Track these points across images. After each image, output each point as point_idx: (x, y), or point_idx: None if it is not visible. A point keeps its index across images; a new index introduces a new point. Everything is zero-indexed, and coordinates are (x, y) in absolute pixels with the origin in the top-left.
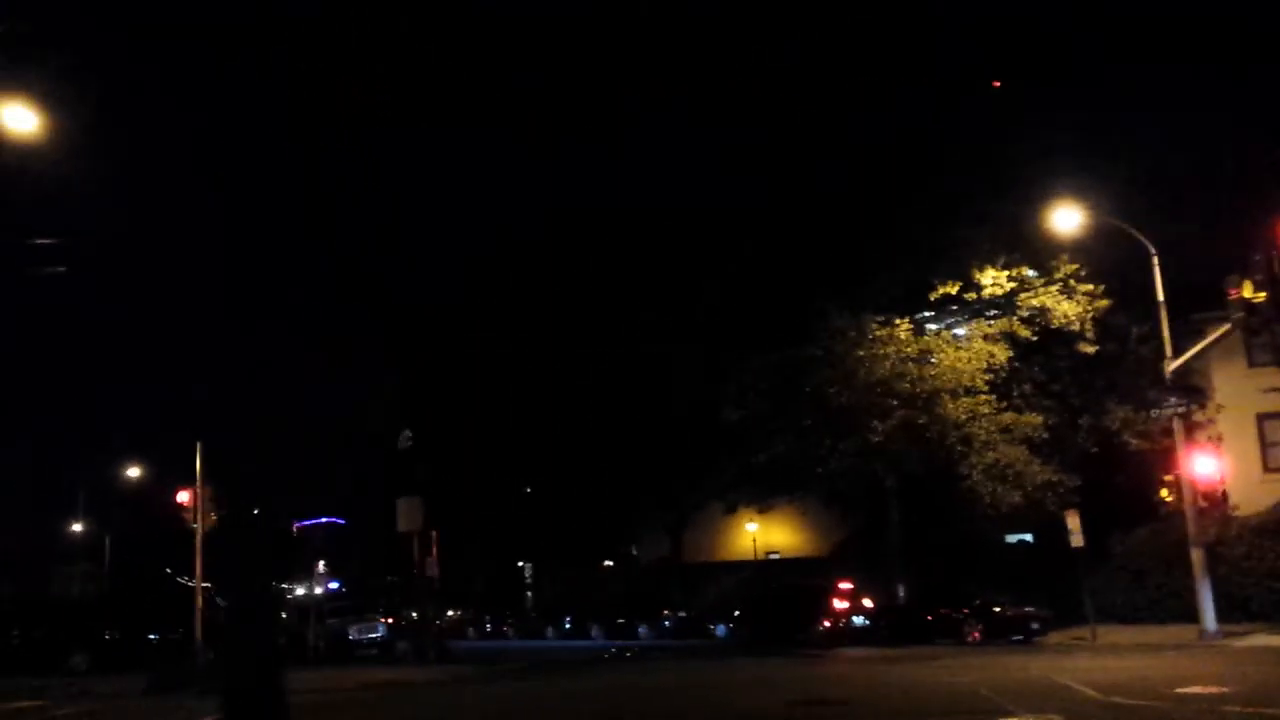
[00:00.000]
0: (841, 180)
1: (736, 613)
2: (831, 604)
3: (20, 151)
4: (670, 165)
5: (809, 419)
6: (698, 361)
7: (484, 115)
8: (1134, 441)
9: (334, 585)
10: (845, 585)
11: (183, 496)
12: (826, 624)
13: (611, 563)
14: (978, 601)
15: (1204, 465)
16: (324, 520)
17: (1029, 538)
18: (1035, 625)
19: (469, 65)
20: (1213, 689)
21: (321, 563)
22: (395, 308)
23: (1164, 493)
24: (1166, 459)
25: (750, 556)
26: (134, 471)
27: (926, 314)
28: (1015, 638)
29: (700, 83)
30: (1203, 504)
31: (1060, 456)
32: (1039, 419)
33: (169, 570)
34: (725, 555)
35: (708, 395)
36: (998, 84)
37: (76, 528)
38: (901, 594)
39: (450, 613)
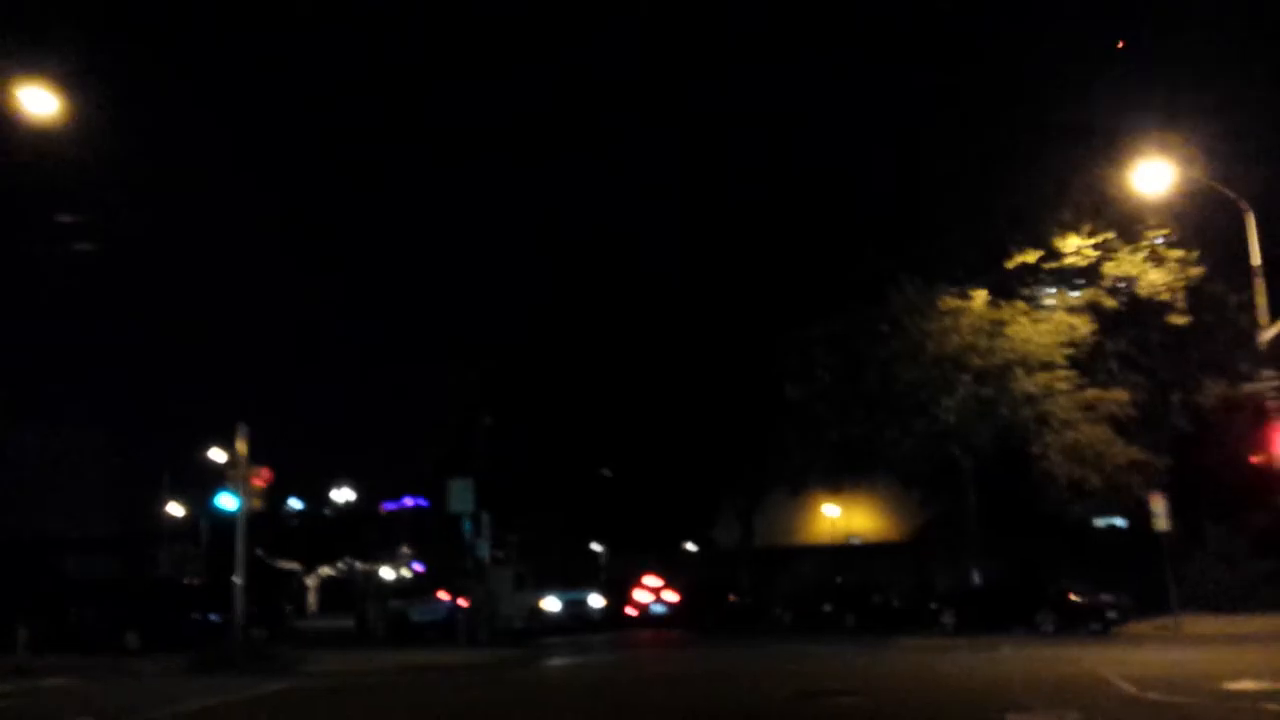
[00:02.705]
0: (914, 143)
1: None
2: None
3: (40, 134)
4: (732, 120)
5: (875, 396)
6: (762, 335)
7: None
8: (1229, 419)
9: (417, 567)
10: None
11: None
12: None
13: (695, 547)
14: (1052, 589)
15: None
16: (409, 502)
17: (1120, 522)
18: (1113, 614)
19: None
20: (1265, 684)
21: (404, 546)
22: (473, 298)
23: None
24: (1263, 438)
25: (829, 541)
26: (217, 454)
27: (1005, 284)
28: (1093, 627)
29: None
30: None
31: (1148, 436)
32: (1124, 395)
33: (259, 551)
34: (803, 539)
35: (772, 372)
36: (1122, 44)
37: (176, 510)
38: (977, 580)
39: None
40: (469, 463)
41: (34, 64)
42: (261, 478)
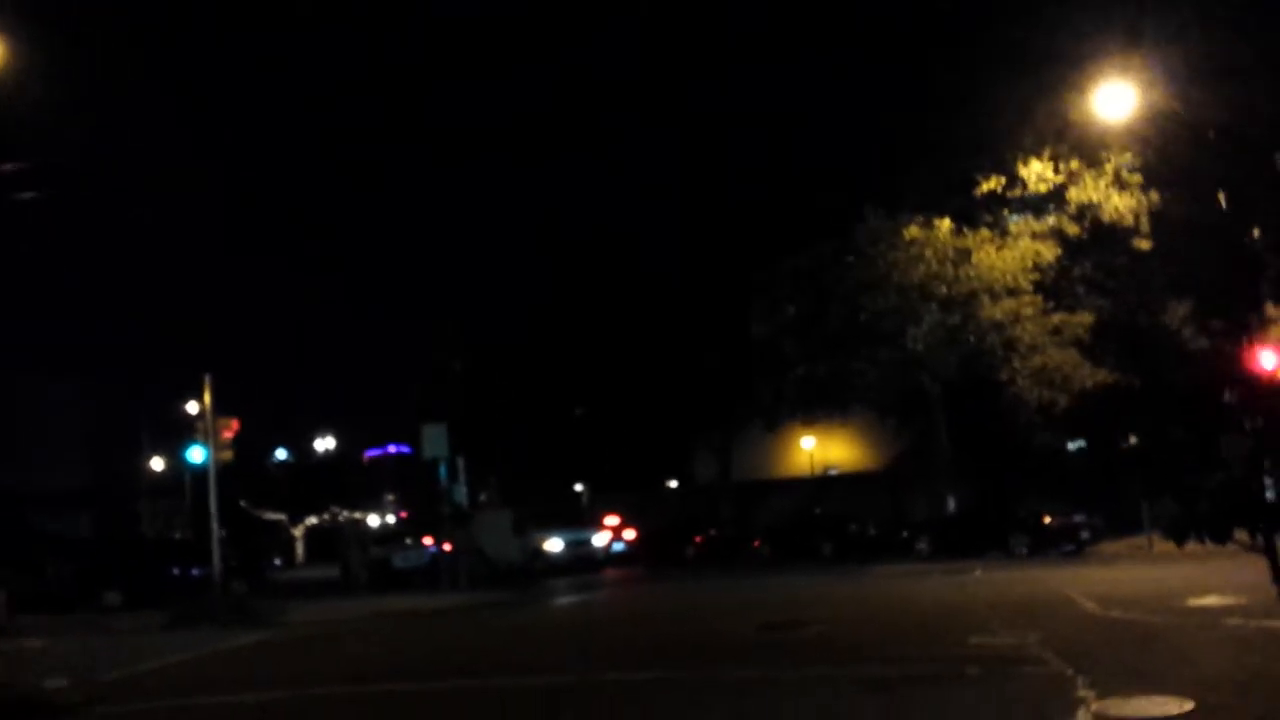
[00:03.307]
0: (871, 71)
1: None
2: None
3: None
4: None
5: (842, 328)
6: (733, 274)
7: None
8: (1196, 339)
9: (403, 513)
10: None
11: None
12: None
13: (676, 483)
14: (1025, 512)
15: (1269, 360)
16: (392, 449)
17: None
18: (1086, 535)
19: None
20: (1229, 600)
21: (388, 493)
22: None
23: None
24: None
25: (807, 473)
26: (192, 407)
27: (969, 212)
28: (1065, 548)
29: None
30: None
31: (1115, 359)
32: (1089, 318)
33: (242, 503)
34: (782, 472)
35: (743, 310)
36: None
37: (157, 464)
38: (951, 506)
39: None
40: (444, 408)
41: None
42: (230, 429)
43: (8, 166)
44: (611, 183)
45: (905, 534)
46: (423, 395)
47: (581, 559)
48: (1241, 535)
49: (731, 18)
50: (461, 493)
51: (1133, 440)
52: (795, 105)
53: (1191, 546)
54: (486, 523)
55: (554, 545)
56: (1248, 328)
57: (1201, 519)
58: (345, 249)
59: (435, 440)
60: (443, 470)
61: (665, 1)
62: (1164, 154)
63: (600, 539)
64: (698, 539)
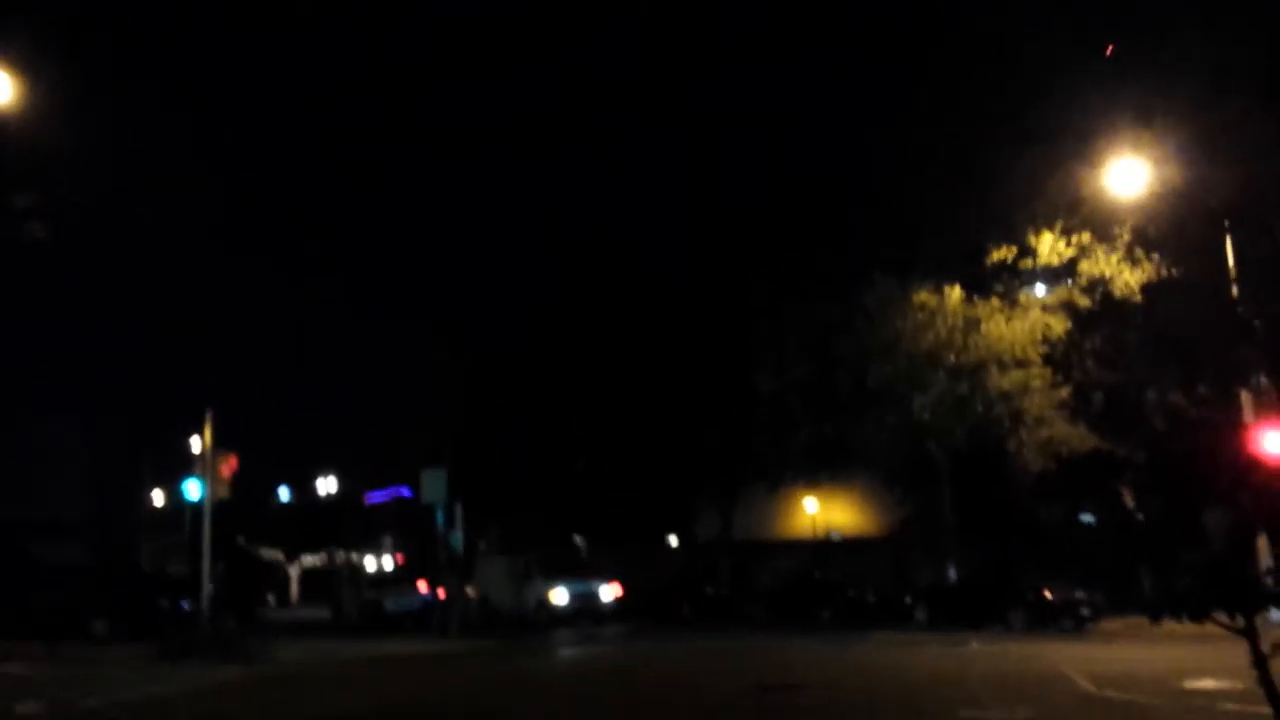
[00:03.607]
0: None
1: None
2: None
3: None
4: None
5: (849, 392)
6: (738, 330)
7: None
8: (1204, 415)
9: (400, 557)
10: None
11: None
12: None
13: (677, 540)
14: (1025, 586)
15: (1273, 442)
16: (393, 492)
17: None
18: (1086, 611)
19: None
20: (1227, 683)
21: (387, 535)
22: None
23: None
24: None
25: (808, 536)
26: (196, 442)
27: (980, 281)
28: (1064, 624)
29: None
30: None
31: (1123, 434)
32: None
33: (241, 540)
34: (784, 534)
35: (744, 362)
36: (1110, 49)
37: (158, 498)
38: (953, 576)
39: None
40: (444, 453)
41: None
42: (229, 465)
43: (21, 201)
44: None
45: (907, 601)
46: (423, 440)
47: (587, 611)
48: (1222, 616)
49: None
50: (458, 539)
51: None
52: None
53: (1195, 626)
54: (491, 570)
55: (559, 596)
56: (1236, 398)
57: (1179, 596)
58: (345, 256)
59: (434, 485)
60: (440, 516)
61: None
62: (1169, 225)
63: (607, 592)
64: (697, 598)
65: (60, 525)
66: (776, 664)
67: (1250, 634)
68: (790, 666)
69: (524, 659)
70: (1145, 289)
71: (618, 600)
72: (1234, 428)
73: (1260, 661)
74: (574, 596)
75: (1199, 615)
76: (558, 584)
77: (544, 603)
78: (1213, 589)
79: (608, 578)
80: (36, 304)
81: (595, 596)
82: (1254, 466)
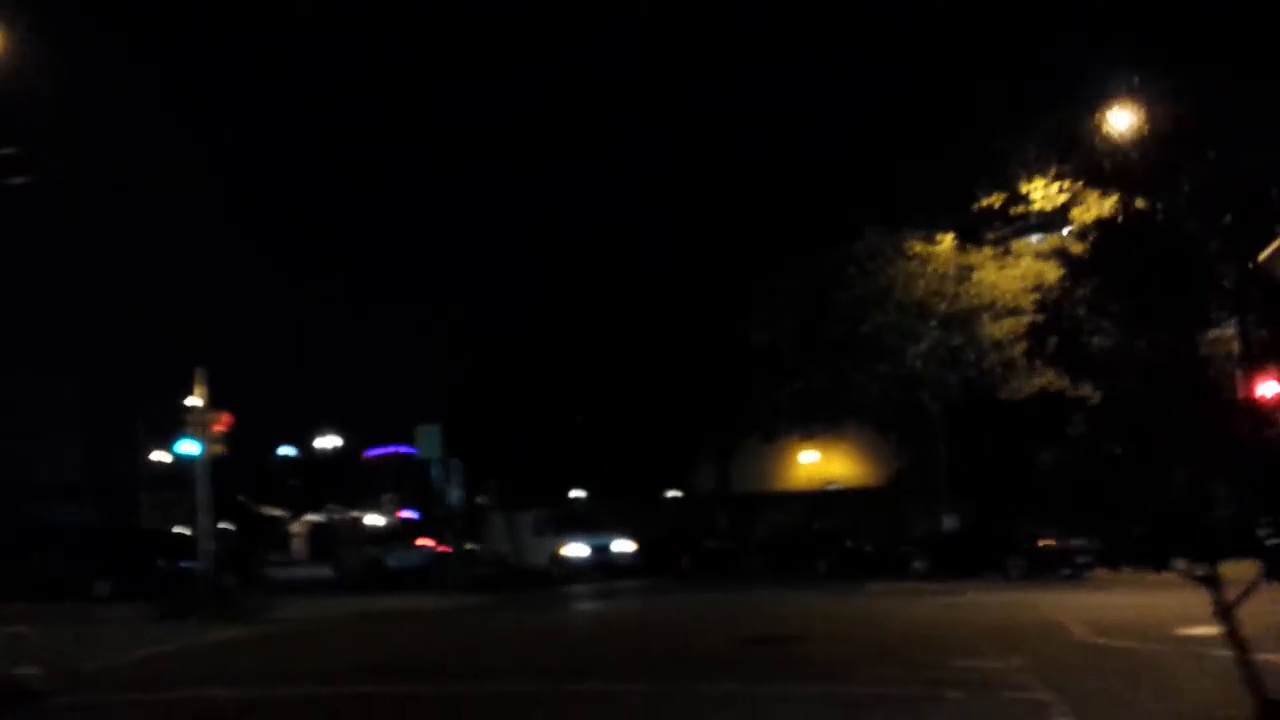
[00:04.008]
0: (871, 71)
1: None
2: None
3: None
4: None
5: (840, 341)
6: (733, 282)
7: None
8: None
9: (406, 514)
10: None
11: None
12: None
13: (680, 493)
14: (1022, 534)
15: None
16: (394, 450)
17: None
18: (1084, 559)
19: None
20: (1221, 629)
21: (389, 494)
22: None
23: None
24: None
25: (807, 487)
26: (193, 400)
27: (972, 229)
28: (1063, 572)
29: None
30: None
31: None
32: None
33: (243, 498)
34: (781, 486)
35: (743, 320)
36: None
37: (159, 456)
38: (949, 525)
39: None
40: (440, 409)
41: None
42: (221, 423)
43: (5, 151)
44: (611, 183)
45: (905, 551)
46: (420, 395)
47: (603, 565)
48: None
49: (731, 18)
50: (456, 494)
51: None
52: (795, 105)
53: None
54: (505, 525)
55: (574, 550)
56: (1193, 341)
57: (1136, 544)
58: (345, 248)
59: (429, 440)
60: (435, 471)
61: (665, 1)
62: (1148, 161)
63: (621, 545)
64: (694, 551)
65: (60, 486)
66: (773, 615)
67: (1212, 583)
68: (786, 618)
69: (520, 614)
70: (1099, 224)
71: (633, 553)
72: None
73: (1223, 611)
74: (590, 550)
75: (1159, 564)
76: (574, 538)
77: (560, 557)
78: (1173, 538)
79: (623, 532)
80: (33, 263)
81: (611, 550)
82: (1242, 412)
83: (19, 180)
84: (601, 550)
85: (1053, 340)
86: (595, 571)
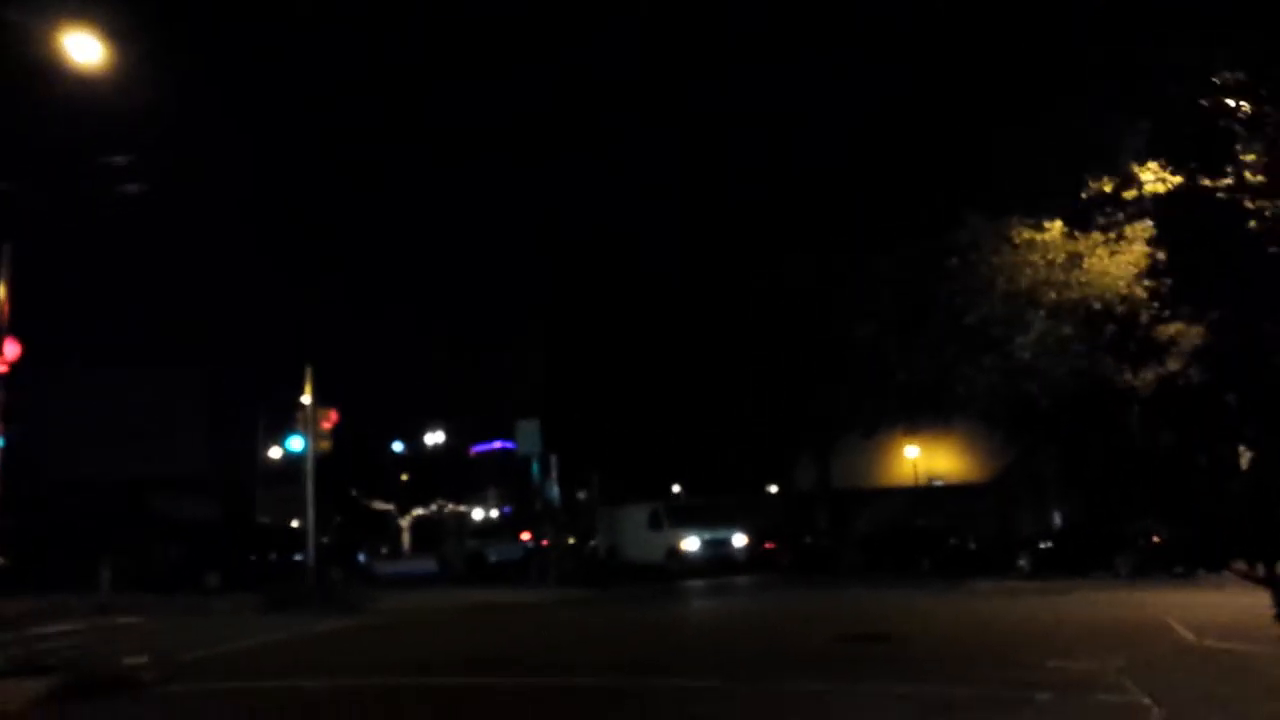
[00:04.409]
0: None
1: None
2: None
3: (85, 82)
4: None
5: (944, 333)
6: (829, 274)
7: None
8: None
9: (508, 509)
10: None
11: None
12: None
13: (777, 489)
14: (1133, 531)
15: None
16: (498, 445)
17: None
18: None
19: None
20: None
21: (493, 488)
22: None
23: None
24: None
25: (909, 483)
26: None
27: (1082, 215)
28: (1176, 570)
29: None
30: None
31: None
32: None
33: (355, 492)
34: (884, 482)
35: (840, 313)
36: None
37: (275, 452)
38: (1058, 522)
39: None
40: (538, 405)
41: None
42: (329, 420)
43: (119, 159)
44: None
45: (1008, 549)
46: (522, 391)
47: (720, 560)
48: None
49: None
50: (553, 489)
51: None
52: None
53: None
54: (618, 519)
55: (691, 544)
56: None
57: (1190, 545)
58: (441, 245)
59: (528, 436)
60: (535, 467)
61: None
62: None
63: (740, 540)
64: (795, 548)
65: (182, 481)
66: (870, 613)
67: (1273, 584)
68: (883, 616)
69: (615, 608)
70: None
71: (749, 548)
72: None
73: None
74: (705, 544)
75: (1216, 564)
76: (689, 532)
77: (675, 551)
78: (1232, 536)
79: (740, 525)
80: (153, 266)
81: (728, 544)
82: None
83: (133, 189)
84: (719, 544)
85: (1110, 328)
86: (711, 565)
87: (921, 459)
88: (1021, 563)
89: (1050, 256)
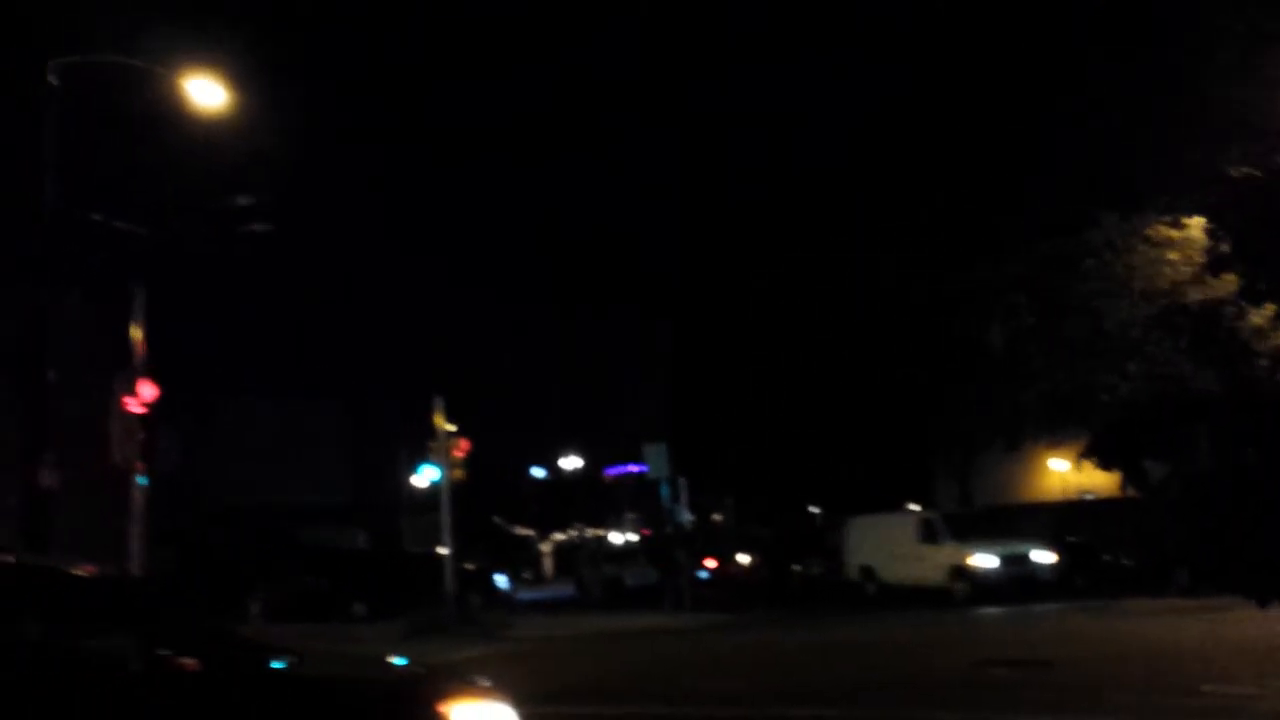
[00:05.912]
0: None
1: None
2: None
3: (207, 125)
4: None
5: (1083, 338)
6: (947, 281)
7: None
8: None
9: (646, 531)
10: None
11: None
12: None
13: (919, 507)
14: None
15: None
16: (632, 468)
17: None
18: None
19: None
20: None
21: (630, 512)
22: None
23: None
24: None
25: (1058, 498)
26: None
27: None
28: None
29: None
30: None
31: None
32: None
33: (497, 519)
34: (1028, 496)
35: (965, 321)
36: None
37: (419, 481)
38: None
39: (743, 559)
40: (669, 427)
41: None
42: (460, 449)
43: (244, 200)
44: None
45: (1163, 566)
46: (651, 414)
47: (1020, 580)
48: None
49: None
50: (683, 512)
51: None
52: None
53: None
54: (874, 530)
55: (984, 561)
56: None
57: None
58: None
59: (656, 459)
60: (664, 489)
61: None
62: None
63: (1044, 557)
64: None
65: (329, 510)
66: (1016, 637)
67: None
68: (1029, 640)
69: (751, 633)
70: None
71: (1059, 567)
72: None
73: None
74: (1003, 561)
75: (1267, 597)
76: (980, 546)
77: (962, 569)
78: None
79: (1042, 540)
80: (290, 300)
81: (1030, 561)
82: None
83: (260, 229)
84: (1018, 561)
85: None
86: (1010, 587)
87: (1070, 473)
88: (1178, 579)
89: (1191, 254)
